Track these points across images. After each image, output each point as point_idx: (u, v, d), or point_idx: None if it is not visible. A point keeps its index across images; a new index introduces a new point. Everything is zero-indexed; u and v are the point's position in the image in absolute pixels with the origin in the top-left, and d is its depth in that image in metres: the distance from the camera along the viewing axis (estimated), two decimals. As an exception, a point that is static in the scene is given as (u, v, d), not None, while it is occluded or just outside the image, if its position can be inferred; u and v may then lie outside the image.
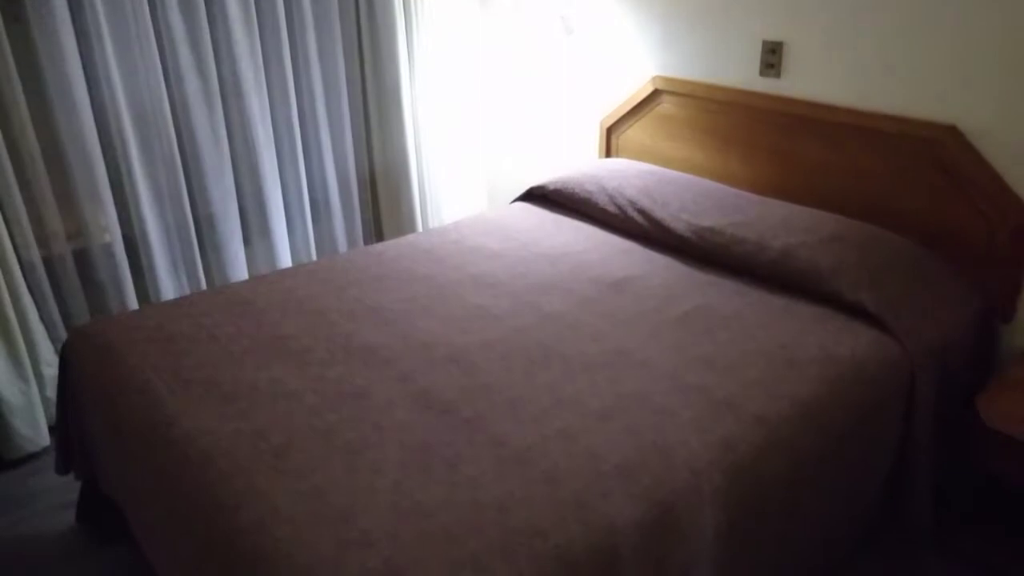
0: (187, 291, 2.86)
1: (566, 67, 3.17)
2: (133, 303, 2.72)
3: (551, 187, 2.73)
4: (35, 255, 2.48)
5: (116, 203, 2.63)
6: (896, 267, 1.99)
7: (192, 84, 2.68)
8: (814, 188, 2.42)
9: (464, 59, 3.46)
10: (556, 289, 2.11)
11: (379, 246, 2.46)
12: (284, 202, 3.07)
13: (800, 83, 2.42)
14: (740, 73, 2.56)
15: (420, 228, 3.39)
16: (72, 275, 2.61)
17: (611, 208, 2.50)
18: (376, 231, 3.44)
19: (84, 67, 2.47)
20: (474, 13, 3.42)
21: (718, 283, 2.13)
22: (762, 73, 2.50)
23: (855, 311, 1.93)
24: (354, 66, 3.11)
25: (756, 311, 1.96)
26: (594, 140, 3.15)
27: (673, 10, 2.70)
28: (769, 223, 2.17)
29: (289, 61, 2.90)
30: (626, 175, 2.60)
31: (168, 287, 2.80)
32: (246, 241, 3.01)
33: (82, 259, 2.64)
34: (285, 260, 3.08)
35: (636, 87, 2.91)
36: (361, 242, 3.32)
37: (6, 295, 2.35)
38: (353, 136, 3.18)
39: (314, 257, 3.18)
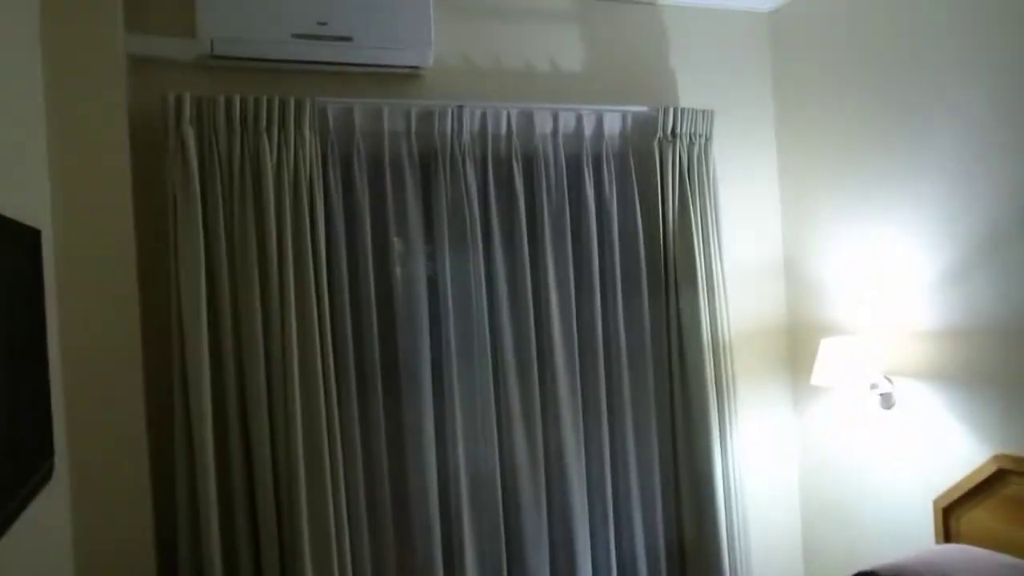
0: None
1: (888, 442, 3.03)
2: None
3: (884, 574, 2.47)
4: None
5: (443, 556, 2.84)
6: None
7: (521, 453, 2.96)
8: None
9: (776, 423, 3.47)
10: None
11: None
12: (592, 573, 3.08)
13: None
14: (1107, 454, 2.27)
15: (731, 610, 3.18)
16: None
17: (961, 603, 2.19)
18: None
19: (436, 432, 2.86)
20: (788, 388, 3.50)
21: None
22: None
23: None
24: (667, 445, 3.21)
25: None
26: (927, 520, 2.86)
27: (1014, 383, 2.55)
28: None
29: (607, 437, 3.11)
30: (974, 566, 2.29)
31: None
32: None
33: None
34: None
35: (975, 464, 2.67)
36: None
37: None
38: (663, 510, 3.20)
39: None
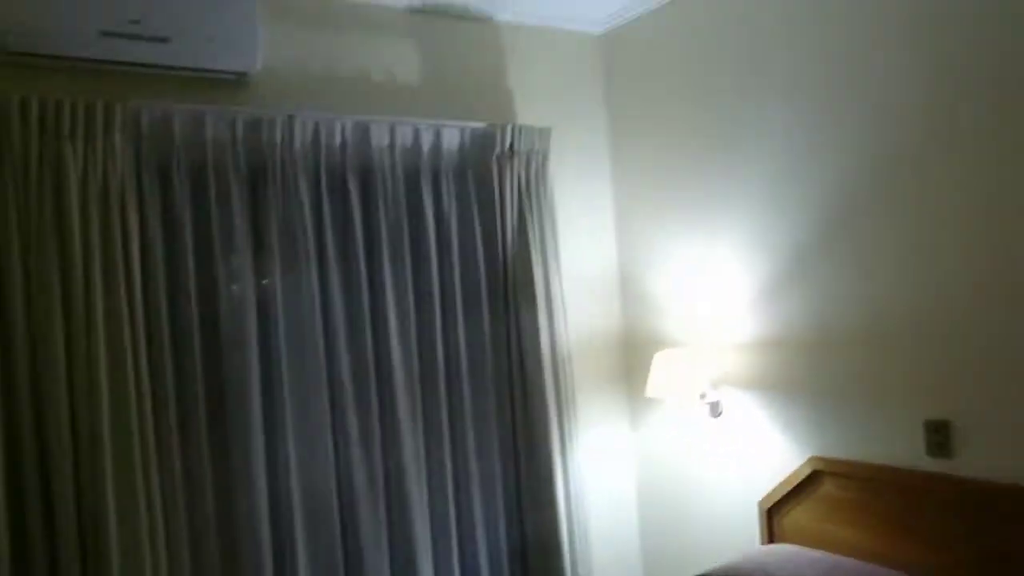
0: None
1: (717, 448, 3.17)
2: None
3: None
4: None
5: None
6: None
7: (359, 475, 2.84)
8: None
9: (614, 435, 3.56)
10: None
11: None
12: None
13: (976, 462, 2.30)
14: (906, 453, 2.48)
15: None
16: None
17: (785, 602, 2.31)
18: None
19: (267, 460, 2.68)
20: (625, 400, 3.60)
21: None
22: (930, 453, 2.41)
23: None
24: (509, 461, 3.20)
25: None
26: (754, 521, 3.01)
27: (825, 391, 2.74)
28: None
29: (449, 457, 3.05)
30: (797, 564, 2.43)
31: None
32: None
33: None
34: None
35: (793, 467, 2.84)
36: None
37: None
38: (506, 527, 3.18)
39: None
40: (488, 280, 3.18)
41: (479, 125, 3.17)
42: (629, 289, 3.60)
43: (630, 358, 3.60)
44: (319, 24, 2.99)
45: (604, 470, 3.54)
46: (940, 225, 2.39)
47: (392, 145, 2.99)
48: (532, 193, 3.23)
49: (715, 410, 3.16)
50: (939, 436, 2.38)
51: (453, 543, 3.06)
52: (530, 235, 3.19)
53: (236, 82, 2.79)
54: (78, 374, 2.34)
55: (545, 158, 3.28)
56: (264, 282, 2.76)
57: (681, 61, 3.28)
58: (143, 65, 2.57)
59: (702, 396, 3.13)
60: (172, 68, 2.62)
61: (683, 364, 3.08)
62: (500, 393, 3.19)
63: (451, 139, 3.13)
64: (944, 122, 2.37)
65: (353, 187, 2.89)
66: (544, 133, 3.28)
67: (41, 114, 2.34)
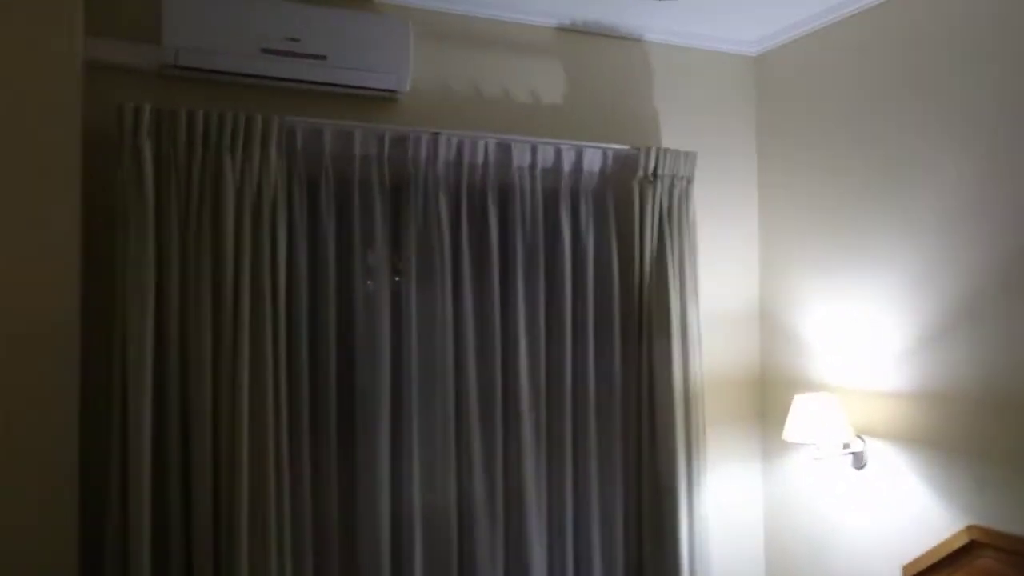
0: None
1: (858, 502, 2.95)
2: None
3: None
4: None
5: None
6: None
7: (479, 494, 2.82)
8: None
9: (744, 476, 3.39)
10: None
11: None
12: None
13: None
14: (1085, 535, 2.21)
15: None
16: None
17: None
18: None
19: (391, 471, 2.71)
20: (758, 441, 3.42)
21: None
22: (1115, 538, 2.13)
23: None
24: (632, 495, 3.09)
25: None
26: (896, 586, 2.78)
27: (991, 454, 2.49)
28: None
29: (571, 485, 2.98)
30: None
31: None
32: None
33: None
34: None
35: (946, 533, 2.59)
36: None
37: None
38: (625, 562, 3.06)
39: None
40: (622, 306, 3.09)
41: (622, 147, 3.10)
42: (770, 325, 3.42)
43: (767, 398, 3.41)
44: (466, 44, 3.02)
45: (731, 512, 3.38)
46: None
47: (533, 164, 2.96)
48: (674, 219, 3.12)
49: (859, 461, 2.94)
50: None
51: (569, 570, 2.99)
52: (669, 263, 3.07)
53: (385, 99, 2.85)
54: (223, 378, 2.45)
55: (689, 183, 3.17)
56: (399, 296, 2.79)
57: (837, 85, 3.08)
58: (299, 82, 2.66)
59: (845, 445, 2.92)
60: (326, 85, 2.70)
61: (827, 409, 2.88)
62: (627, 423, 3.09)
63: (593, 161, 3.06)
64: None
65: (492, 205, 2.89)
66: (689, 158, 3.16)
67: (205, 126, 2.47)
